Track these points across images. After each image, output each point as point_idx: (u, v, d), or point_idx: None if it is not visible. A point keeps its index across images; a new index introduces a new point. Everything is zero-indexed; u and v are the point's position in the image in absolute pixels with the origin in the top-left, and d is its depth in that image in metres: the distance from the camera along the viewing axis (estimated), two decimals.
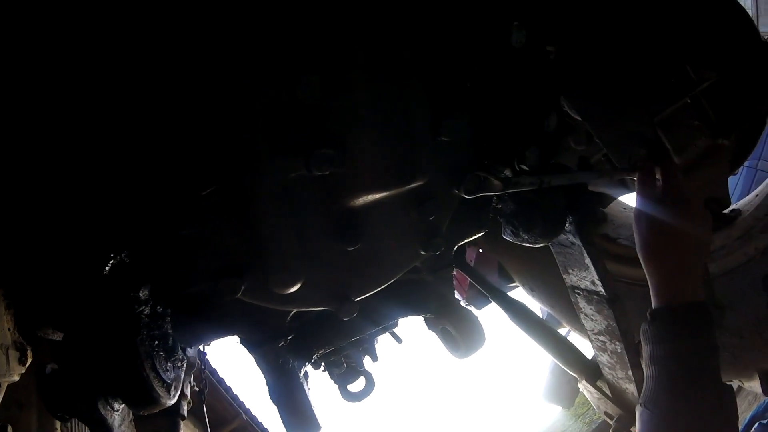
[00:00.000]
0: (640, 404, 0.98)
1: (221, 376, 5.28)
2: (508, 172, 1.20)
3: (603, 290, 1.36)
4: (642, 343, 1.03)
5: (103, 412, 1.24)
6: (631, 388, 1.63)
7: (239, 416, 5.46)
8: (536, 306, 2.37)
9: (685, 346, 0.96)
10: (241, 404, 5.47)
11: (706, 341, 0.97)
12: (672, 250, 1.03)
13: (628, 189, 1.98)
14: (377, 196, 1.01)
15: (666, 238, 1.04)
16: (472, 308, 2.64)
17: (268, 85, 0.86)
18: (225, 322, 1.19)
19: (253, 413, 5.73)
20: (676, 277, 1.02)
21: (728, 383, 0.98)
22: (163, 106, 0.90)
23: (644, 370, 1.02)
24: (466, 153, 1.12)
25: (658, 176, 1.16)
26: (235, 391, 5.42)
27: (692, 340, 0.96)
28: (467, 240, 1.32)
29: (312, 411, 1.30)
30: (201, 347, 1.86)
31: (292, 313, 1.22)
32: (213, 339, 1.27)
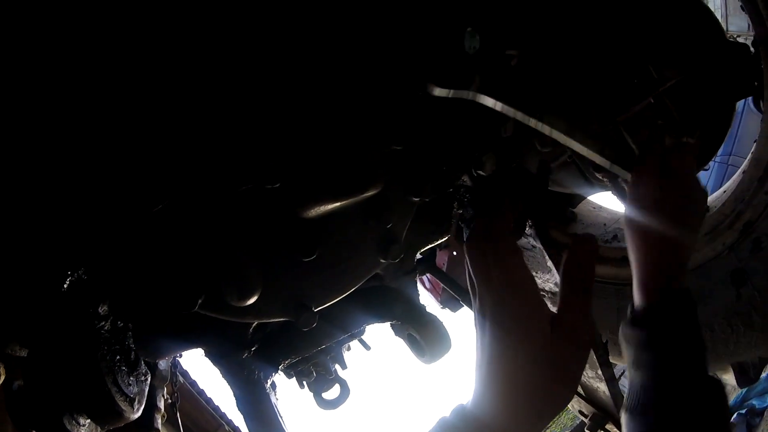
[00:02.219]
0: (625, 410, 0.88)
1: (202, 387, 5.24)
2: (465, 179, 1.21)
3: None
4: (622, 344, 0.94)
5: (68, 427, 1.24)
6: (602, 386, 1.65)
7: (221, 427, 5.42)
8: None
9: (673, 351, 0.86)
10: (223, 415, 5.42)
11: (694, 339, 0.87)
12: (668, 228, 0.90)
13: (597, 189, 1.99)
14: (331, 206, 1.01)
15: (662, 216, 0.92)
16: (446, 311, 2.66)
17: (213, 99, 0.86)
18: (186, 336, 1.19)
19: (236, 424, 5.68)
20: (665, 263, 0.91)
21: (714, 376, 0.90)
22: (109, 122, 0.89)
23: (628, 372, 0.93)
24: (422, 160, 1.12)
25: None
26: (216, 402, 5.38)
27: (681, 342, 0.86)
28: (430, 246, 1.33)
29: (279, 421, 1.30)
30: (173, 360, 1.86)
31: (254, 324, 1.22)
32: (175, 352, 1.27)
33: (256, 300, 1.04)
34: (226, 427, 5.46)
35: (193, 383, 5.00)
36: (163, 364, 1.65)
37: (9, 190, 1.00)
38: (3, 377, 1.80)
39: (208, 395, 5.32)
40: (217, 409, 5.39)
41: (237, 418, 5.85)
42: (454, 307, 2.53)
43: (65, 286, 1.12)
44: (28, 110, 0.90)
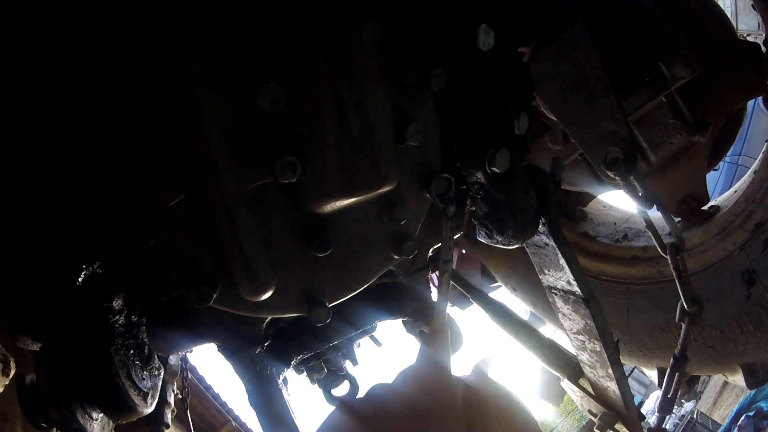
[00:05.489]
0: None
1: (209, 383, 5.26)
2: (479, 175, 1.21)
3: (579, 290, 1.36)
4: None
5: (81, 421, 1.25)
6: (612, 386, 1.64)
7: (228, 423, 5.43)
8: (519, 305, 2.39)
9: None
10: (230, 411, 5.44)
11: None
12: None
13: (607, 187, 1.99)
14: (345, 202, 1.02)
15: None
16: (455, 309, 2.66)
17: (229, 95, 0.86)
18: (200, 330, 1.19)
19: (243, 419, 5.70)
20: None
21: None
22: (128, 117, 0.90)
23: None
24: (436, 156, 1.12)
25: None
26: (224, 398, 5.39)
27: None
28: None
29: (291, 417, 1.30)
30: (183, 355, 1.86)
31: (267, 319, 1.22)
32: (189, 347, 1.27)
33: (271, 295, 1.05)
34: (233, 423, 5.48)
35: (201, 379, 5.02)
36: (173, 359, 1.65)
37: (25, 186, 1.00)
38: (13, 371, 1.81)
39: (216, 391, 5.34)
40: (224, 404, 5.41)
41: (244, 413, 5.88)
42: (463, 305, 2.53)
43: (80, 280, 1.12)
44: (44, 111, 0.91)
